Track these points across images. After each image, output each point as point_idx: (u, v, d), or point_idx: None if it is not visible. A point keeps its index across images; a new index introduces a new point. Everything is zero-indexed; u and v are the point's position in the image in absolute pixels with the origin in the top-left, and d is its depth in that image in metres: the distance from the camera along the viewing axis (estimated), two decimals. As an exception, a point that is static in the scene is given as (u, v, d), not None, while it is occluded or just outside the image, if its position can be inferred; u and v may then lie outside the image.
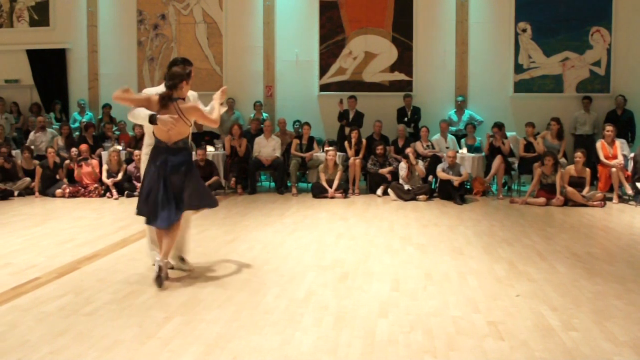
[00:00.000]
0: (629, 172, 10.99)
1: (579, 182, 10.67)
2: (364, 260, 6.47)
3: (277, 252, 6.90)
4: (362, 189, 12.07)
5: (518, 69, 13.80)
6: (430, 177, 11.65)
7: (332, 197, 11.27)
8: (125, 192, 11.37)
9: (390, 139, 13.05)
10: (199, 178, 5.66)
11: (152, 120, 5.42)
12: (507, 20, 13.79)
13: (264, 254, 6.78)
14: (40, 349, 3.96)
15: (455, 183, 10.93)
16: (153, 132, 5.62)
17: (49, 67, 15.11)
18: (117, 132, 13.58)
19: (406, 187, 11.22)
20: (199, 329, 4.35)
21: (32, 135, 13.28)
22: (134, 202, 10.64)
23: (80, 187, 11.53)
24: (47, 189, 11.59)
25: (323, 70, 14.33)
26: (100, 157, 12.32)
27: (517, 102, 13.75)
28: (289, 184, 12.27)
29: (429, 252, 6.88)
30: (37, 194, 11.54)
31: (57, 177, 11.81)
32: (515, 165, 12.02)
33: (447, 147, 12.19)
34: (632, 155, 11.16)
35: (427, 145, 12.41)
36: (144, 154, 6.01)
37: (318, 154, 12.34)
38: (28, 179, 11.78)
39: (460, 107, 13.52)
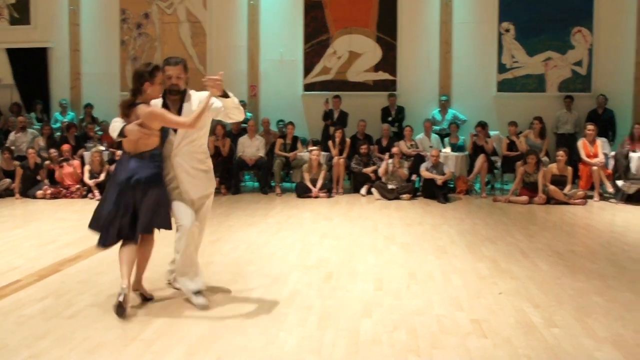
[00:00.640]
0: (610, 171, 11.09)
1: (560, 181, 10.74)
2: (348, 260, 6.48)
3: (261, 252, 6.88)
4: (346, 189, 12.08)
5: (501, 68, 13.86)
6: (413, 176, 11.68)
7: (316, 197, 11.27)
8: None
9: (374, 138, 13.06)
10: (159, 197, 4.79)
11: (121, 133, 4.77)
12: (491, 20, 13.85)
13: (248, 254, 6.76)
14: (21, 352, 3.92)
15: (439, 182, 10.97)
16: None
17: (30, 66, 14.98)
18: (99, 133, 13.48)
19: (390, 186, 11.24)
20: (182, 330, 4.33)
21: (12, 135, 13.13)
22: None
23: (61, 188, 11.44)
24: (28, 190, 11.48)
25: (307, 69, 14.32)
26: (82, 157, 12.22)
27: (500, 101, 13.82)
28: (272, 184, 12.25)
29: (412, 251, 6.90)
30: (17, 195, 11.42)
31: (38, 178, 11.70)
32: (498, 164, 12.09)
33: (430, 147, 12.23)
34: (612, 153, 11.25)
35: (411, 145, 12.44)
36: None
37: (302, 153, 12.33)
38: (8, 180, 11.64)
39: (444, 107, 13.56)
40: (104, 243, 4.85)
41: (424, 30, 14.07)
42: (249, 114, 13.86)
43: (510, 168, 11.79)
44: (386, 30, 14.09)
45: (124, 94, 14.44)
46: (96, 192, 11.20)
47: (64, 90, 14.87)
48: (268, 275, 5.83)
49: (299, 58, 14.31)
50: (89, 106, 14.10)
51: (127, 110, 4.77)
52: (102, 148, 12.29)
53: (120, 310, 4.55)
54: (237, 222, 8.79)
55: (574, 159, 11.55)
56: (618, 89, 13.35)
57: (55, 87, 15.01)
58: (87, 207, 10.27)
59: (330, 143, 12.46)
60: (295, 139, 12.55)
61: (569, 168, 10.88)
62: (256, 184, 12.75)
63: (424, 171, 11.22)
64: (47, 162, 11.84)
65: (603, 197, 11.05)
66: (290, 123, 12.63)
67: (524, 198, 10.64)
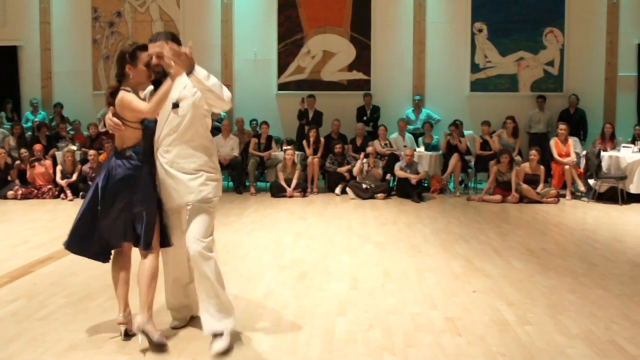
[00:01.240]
0: (581, 170, 11.21)
1: (533, 180, 10.85)
2: (322, 259, 6.48)
3: (236, 252, 6.86)
4: (320, 188, 12.08)
5: (474, 68, 13.96)
6: (388, 176, 11.71)
7: (291, 196, 11.26)
8: (80, 193, 11.15)
9: (348, 137, 13.08)
10: (125, 204, 4.07)
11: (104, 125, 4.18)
12: (464, 20, 13.95)
13: (223, 254, 6.73)
14: (-8, 354, 3.87)
15: (413, 181, 11.02)
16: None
17: (0, 65, 14.75)
18: (71, 132, 13.33)
19: (364, 185, 11.26)
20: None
21: (-18, 135, 12.96)
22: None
23: (33, 189, 11.29)
24: (-1, 190, 11.34)
25: (281, 69, 14.29)
26: (54, 157, 12.07)
27: (474, 101, 13.92)
28: (247, 184, 12.20)
29: (387, 250, 6.92)
30: (-12, 195, 11.27)
31: (9, 178, 11.54)
32: (472, 163, 12.17)
33: (404, 146, 12.27)
34: (584, 152, 11.39)
35: (385, 144, 12.48)
36: None
37: (276, 153, 12.30)
38: (-21, 180, 11.50)
39: (418, 106, 13.62)
40: (81, 252, 4.19)
41: (397, 30, 14.12)
42: (223, 114, 13.80)
43: (483, 167, 11.88)
44: (360, 29, 14.12)
45: (96, 93, 14.37)
46: (68, 193, 11.08)
47: (35, 89, 14.67)
48: (242, 275, 5.82)
49: (273, 57, 14.28)
50: (58, 105, 13.92)
51: (111, 98, 4.12)
52: (74, 148, 12.15)
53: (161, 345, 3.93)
54: (212, 222, 8.73)
55: (546, 158, 11.67)
56: (589, 89, 13.52)
57: (26, 86, 14.80)
58: (59, 208, 10.16)
59: (304, 142, 12.45)
60: (269, 138, 12.52)
61: (542, 167, 11.00)
62: (230, 184, 12.69)
63: (398, 170, 11.27)
64: (17, 162, 11.68)
65: (575, 195, 11.18)
66: (265, 122, 12.60)
67: (498, 197, 10.73)
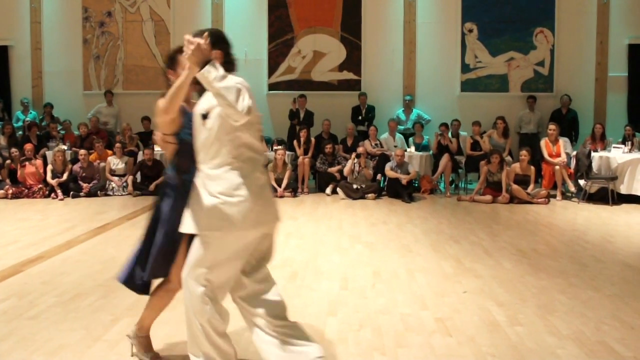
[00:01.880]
0: (572, 170, 11.26)
1: (524, 180, 10.89)
2: (313, 259, 6.48)
3: (227, 252, 6.84)
4: (311, 188, 12.08)
5: (465, 68, 14.00)
6: (378, 176, 11.73)
7: (281, 196, 11.25)
8: (71, 193, 11.12)
9: (339, 138, 13.09)
10: (160, 236, 3.54)
11: None
12: (454, 20, 13.98)
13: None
14: (-18, 354, 3.86)
15: (404, 181, 11.04)
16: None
17: (-10, 64, 14.69)
18: (62, 132, 13.28)
19: (355, 185, 11.27)
20: (146, 331, 4.29)
21: (-28, 134, 12.90)
22: (79, 202, 10.53)
23: (23, 188, 11.24)
24: (-11, 189, 11.29)
25: (272, 69, 14.28)
26: (44, 157, 12.03)
27: (464, 101, 13.95)
28: (238, 184, 12.17)
29: (377, 251, 6.93)
30: (-22, 195, 11.22)
31: (-1, 177, 11.51)
32: (462, 164, 12.20)
33: (395, 146, 12.29)
34: (574, 153, 11.44)
35: (376, 144, 12.49)
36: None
37: (267, 153, 12.30)
38: (-32, 179, 11.45)
39: (408, 106, 13.63)
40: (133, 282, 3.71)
41: (388, 30, 14.13)
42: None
43: (474, 167, 11.91)
44: (350, 30, 14.12)
45: (86, 93, 14.33)
46: (59, 192, 11.03)
47: (26, 89, 14.60)
48: (234, 275, 5.80)
49: (264, 57, 14.26)
50: (48, 105, 13.85)
51: None
52: (65, 147, 12.12)
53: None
54: (202, 222, 8.71)
55: (536, 159, 11.71)
56: (579, 89, 13.58)
57: (17, 86, 14.72)
58: (50, 207, 10.12)
59: (295, 142, 12.45)
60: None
61: (532, 167, 11.03)
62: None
63: (389, 171, 11.28)
64: (8, 162, 11.63)
65: (565, 196, 11.22)
66: (256, 122, 12.57)
67: (488, 197, 10.76)
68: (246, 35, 14.25)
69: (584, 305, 4.89)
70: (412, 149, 12.39)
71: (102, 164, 11.78)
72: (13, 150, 11.69)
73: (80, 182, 11.31)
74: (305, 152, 12.25)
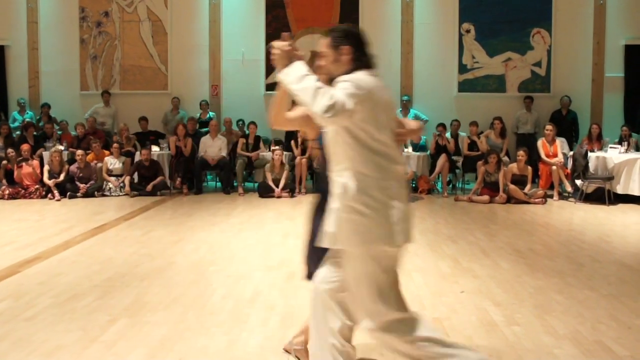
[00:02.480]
0: (569, 170, 11.27)
1: (521, 180, 10.90)
2: (311, 260, 6.47)
3: (224, 252, 6.85)
4: (308, 188, 12.06)
5: (462, 69, 14.00)
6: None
7: (279, 197, 11.24)
8: (68, 194, 11.11)
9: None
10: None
11: None
12: (452, 21, 13.98)
13: (210, 254, 6.72)
14: (-22, 355, 3.85)
15: (401, 182, 11.02)
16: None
17: (-14, 65, 14.65)
18: (59, 132, 13.26)
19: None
20: (143, 331, 4.29)
21: (-31, 135, 12.86)
22: (76, 203, 10.53)
23: (20, 189, 11.22)
24: (-14, 190, 11.26)
25: (269, 69, 14.25)
26: (41, 157, 12.01)
27: (461, 101, 13.95)
28: (235, 184, 12.19)
29: (375, 251, 6.91)
30: (-26, 195, 11.19)
31: (-4, 178, 11.49)
32: (460, 164, 12.21)
33: (393, 146, 12.26)
34: (571, 153, 11.45)
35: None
36: None
37: (264, 153, 12.29)
38: (-35, 180, 11.42)
39: (406, 107, 13.63)
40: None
41: (385, 31, 14.14)
42: (211, 114, 13.79)
43: (471, 168, 11.92)
44: (349, 30, 14.09)
45: (83, 93, 14.31)
46: (55, 193, 11.01)
47: (22, 89, 14.56)
48: (230, 276, 5.80)
49: (261, 57, 14.25)
50: (45, 106, 13.82)
51: None
52: (62, 148, 12.10)
53: None
54: (199, 223, 8.72)
55: (533, 159, 11.71)
56: (576, 90, 13.59)
57: (13, 86, 14.69)
58: (47, 208, 10.11)
59: (292, 143, 12.45)
60: (257, 138, 12.51)
61: (529, 168, 11.04)
62: (218, 184, 12.67)
63: (387, 171, 11.26)
64: (5, 162, 11.61)
65: (562, 196, 11.23)
66: (253, 123, 12.58)
67: (485, 197, 10.76)
68: (243, 35, 14.26)
69: (581, 305, 4.90)
70: (410, 149, 12.39)
71: (99, 165, 11.77)
72: (10, 150, 11.66)
73: (77, 183, 11.29)
74: (303, 153, 12.24)
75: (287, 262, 6.36)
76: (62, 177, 11.33)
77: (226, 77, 14.36)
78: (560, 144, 11.73)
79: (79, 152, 11.59)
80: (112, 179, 11.61)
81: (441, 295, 5.18)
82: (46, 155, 11.93)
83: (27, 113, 14.08)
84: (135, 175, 11.72)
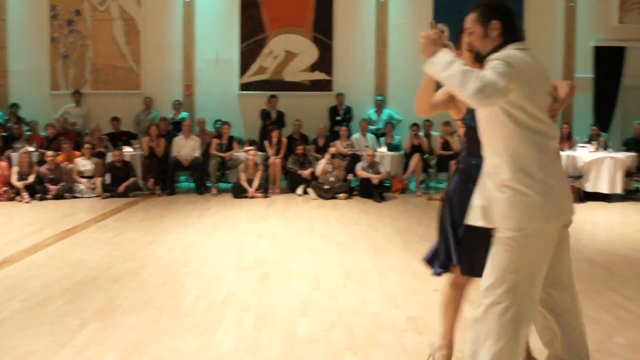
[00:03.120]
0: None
1: (493, 179, 10.97)
2: (284, 260, 6.46)
3: (197, 253, 6.80)
4: (282, 188, 12.05)
5: (435, 69, 14.04)
6: (349, 176, 11.74)
7: (253, 197, 11.20)
8: (37, 195, 10.94)
9: (310, 138, 13.08)
10: (442, 221, 3.73)
11: None
12: (426, 21, 13.71)
13: (184, 255, 6.67)
14: (-56, 360, 3.77)
15: (375, 181, 11.06)
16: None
17: (-46, 64, 14.40)
18: (28, 133, 13.06)
19: (326, 186, 11.27)
20: (116, 334, 4.24)
21: None
22: (46, 205, 10.38)
23: (-11, 190, 11.05)
24: (-47, 192, 11.06)
25: (243, 69, 14.22)
26: (9, 158, 11.81)
27: (435, 101, 13.99)
28: (208, 184, 12.11)
29: (349, 250, 6.93)
30: (-58, 197, 10.98)
31: (-36, 179, 11.28)
32: (433, 163, 12.28)
33: (366, 146, 12.32)
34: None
35: (347, 144, 12.50)
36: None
37: (238, 153, 12.24)
38: None
39: (380, 107, 13.67)
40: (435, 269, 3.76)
41: (360, 31, 14.17)
42: (184, 114, 13.69)
43: (444, 167, 11.99)
44: (322, 30, 14.12)
45: (54, 93, 14.13)
46: (25, 195, 10.83)
47: (-10, 89, 14.35)
48: (204, 277, 5.77)
49: (235, 57, 14.20)
50: (14, 106, 13.61)
51: None
52: (31, 149, 11.92)
53: None
54: (173, 223, 8.65)
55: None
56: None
57: (-19, 86, 14.47)
58: (15, 210, 9.95)
59: (266, 143, 12.42)
60: (231, 139, 12.44)
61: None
62: (192, 185, 12.59)
63: (360, 170, 11.30)
64: (-28, 164, 11.42)
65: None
66: (226, 123, 12.52)
67: (458, 196, 10.81)
68: (218, 35, 14.20)
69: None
70: (384, 148, 12.43)
71: (70, 166, 11.61)
72: (-22, 151, 11.47)
73: (47, 184, 11.13)
74: (277, 153, 12.22)
75: (261, 262, 6.34)
76: (31, 178, 11.13)
77: (200, 77, 14.28)
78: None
79: (49, 153, 11.43)
80: (84, 180, 11.45)
81: (415, 294, 5.20)
82: (15, 156, 11.73)
83: (-5, 113, 13.87)
84: (107, 177, 11.59)
